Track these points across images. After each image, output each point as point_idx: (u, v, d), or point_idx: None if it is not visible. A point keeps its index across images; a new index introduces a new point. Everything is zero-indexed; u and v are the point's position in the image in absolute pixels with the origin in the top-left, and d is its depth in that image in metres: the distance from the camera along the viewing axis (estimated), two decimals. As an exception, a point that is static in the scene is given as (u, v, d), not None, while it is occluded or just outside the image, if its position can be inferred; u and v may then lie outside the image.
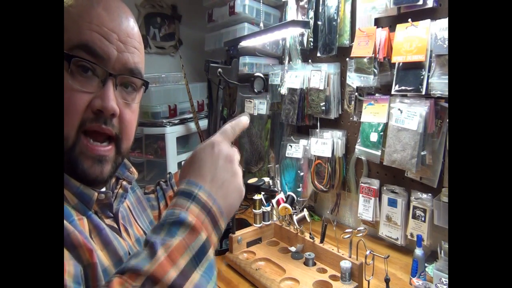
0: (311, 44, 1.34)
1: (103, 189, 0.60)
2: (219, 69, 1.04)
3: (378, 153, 1.08)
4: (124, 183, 0.65)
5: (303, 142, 1.37)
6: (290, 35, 1.36)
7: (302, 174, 1.37)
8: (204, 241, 0.47)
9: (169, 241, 0.44)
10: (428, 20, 0.96)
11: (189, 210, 0.48)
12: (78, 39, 0.51)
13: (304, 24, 0.95)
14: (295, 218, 1.04)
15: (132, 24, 0.58)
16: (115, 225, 0.61)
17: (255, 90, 0.97)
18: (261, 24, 1.43)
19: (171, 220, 0.47)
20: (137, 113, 0.61)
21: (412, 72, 0.99)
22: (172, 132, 1.47)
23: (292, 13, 1.35)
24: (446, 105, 0.96)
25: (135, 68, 0.57)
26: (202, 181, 0.52)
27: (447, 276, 0.81)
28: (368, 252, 0.83)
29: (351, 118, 1.22)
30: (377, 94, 1.13)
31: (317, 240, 0.99)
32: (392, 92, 1.04)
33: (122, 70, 0.55)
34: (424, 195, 1.03)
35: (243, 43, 1.20)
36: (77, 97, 0.51)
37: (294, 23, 0.95)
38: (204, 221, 0.48)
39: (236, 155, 0.57)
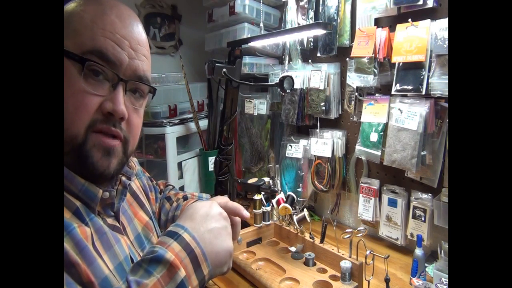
0: (311, 44, 1.34)
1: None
2: (224, 69, 1.03)
3: (378, 153, 1.08)
4: (124, 178, 0.65)
5: (303, 142, 1.37)
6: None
7: (302, 174, 1.37)
8: (182, 279, 0.48)
9: (145, 282, 0.46)
10: (428, 20, 0.96)
11: (169, 248, 0.50)
12: (92, 44, 0.52)
13: (325, 26, 0.96)
14: (295, 218, 1.04)
15: (142, 32, 0.60)
16: (117, 224, 0.61)
17: (286, 90, 0.97)
18: (261, 24, 1.43)
19: (149, 257, 0.49)
20: (142, 118, 0.63)
21: (412, 72, 0.99)
22: (172, 132, 1.47)
23: (292, 13, 1.35)
24: (446, 105, 0.96)
25: (144, 75, 0.59)
26: (190, 224, 0.55)
27: (447, 276, 0.81)
28: (368, 252, 0.83)
29: (351, 118, 1.22)
30: (377, 94, 1.13)
31: (317, 240, 0.99)
32: (392, 92, 1.04)
33: (132, 76, 0.57)
34: (424, 195, 1.03)
35: (253, 43, 1.20)
36: (88, 98, 0.52)
37: (318, 25, 0.97)
38: (185, 259, 0.50)
39: (229, 224, 0.62)
